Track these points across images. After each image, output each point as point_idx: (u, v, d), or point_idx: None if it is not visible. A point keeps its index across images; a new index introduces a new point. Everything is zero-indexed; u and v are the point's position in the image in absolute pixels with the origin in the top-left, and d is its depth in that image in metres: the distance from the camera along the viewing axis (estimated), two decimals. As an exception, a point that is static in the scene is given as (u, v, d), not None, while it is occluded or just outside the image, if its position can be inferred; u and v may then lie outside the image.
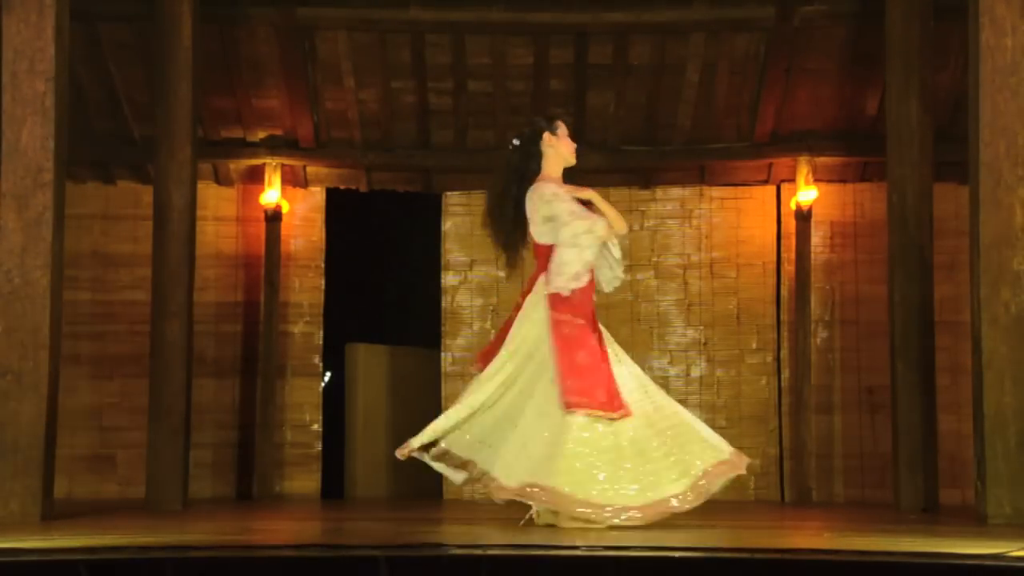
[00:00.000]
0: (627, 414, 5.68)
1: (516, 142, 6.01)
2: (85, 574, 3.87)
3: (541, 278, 5.86)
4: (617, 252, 6.01)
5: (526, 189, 5.89)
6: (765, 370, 10.26)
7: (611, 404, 5.66)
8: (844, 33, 9.49)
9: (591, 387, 5.66)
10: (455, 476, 5.88)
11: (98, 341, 10.02)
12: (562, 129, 6.01)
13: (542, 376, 5.74)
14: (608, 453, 5.60)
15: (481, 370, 5.94)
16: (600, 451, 5.59)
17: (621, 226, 5.94)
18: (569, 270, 5.77)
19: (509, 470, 5.64)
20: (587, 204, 5.94)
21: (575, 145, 6.05)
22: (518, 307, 5.96)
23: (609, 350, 5.87)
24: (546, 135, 5.96)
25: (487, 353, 6.00)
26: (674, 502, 5.59)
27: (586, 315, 5.83)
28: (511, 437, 5.72)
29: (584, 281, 5.81)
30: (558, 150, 5.97)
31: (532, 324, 5.82)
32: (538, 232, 5.87)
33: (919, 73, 8.09)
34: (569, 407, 5.60)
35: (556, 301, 5.79)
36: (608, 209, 5.93)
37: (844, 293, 10.18)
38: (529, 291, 5.91)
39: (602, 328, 5.92)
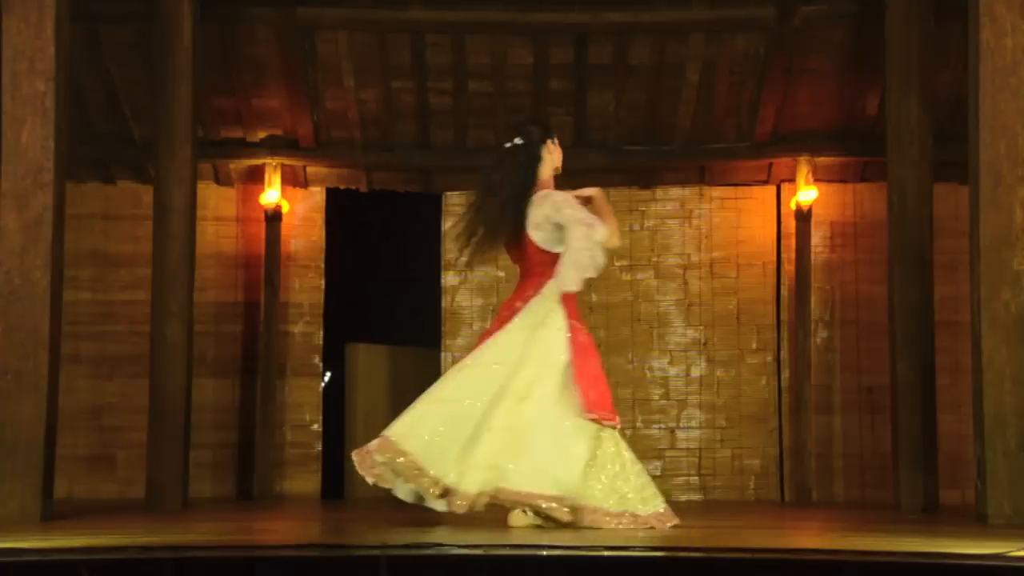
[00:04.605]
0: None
1: (520, 141, 5.94)
2: (85, 574, 3.87)
3: (550, 284, 5.77)
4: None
5: (528, 193, 5.85)
6: (765, 370, 10.25)
7: (614, 415, 5.71)
8: (844, 33, 9.48)
9: (604, 398, 5.68)
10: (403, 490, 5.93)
11: (98, 341, 10.01)
12: (556, 140, 6.04)
13: (563, 386, 5.65)
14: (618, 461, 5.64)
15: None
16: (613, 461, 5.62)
17: (615, 240, 5.81)
18: (582, 267, 5.69)
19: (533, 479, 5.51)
20: (587, 201, 5.92)
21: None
22: (510, 310, 5.84)
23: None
24: (548, 142, 5.97)
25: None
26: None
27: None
28: (534, 446, 5.56)
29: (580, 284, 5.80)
30: (553, 158, 5.99)
31: (547, 330, 5.72)
32: (544, 238, 5.80)
33: (919, 73, 8.10)
34: (592, 418, 5.59)
35: (570, 307, 5.77)
36: (608, 210, 5.91)
37: (844, 293, 10.17)
38: (529, 296, 5.81)
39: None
